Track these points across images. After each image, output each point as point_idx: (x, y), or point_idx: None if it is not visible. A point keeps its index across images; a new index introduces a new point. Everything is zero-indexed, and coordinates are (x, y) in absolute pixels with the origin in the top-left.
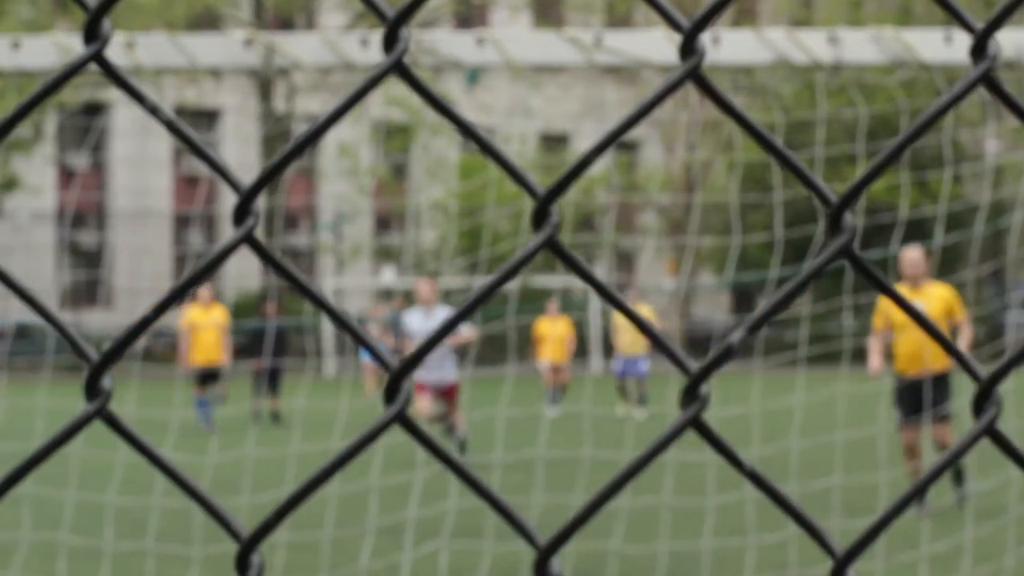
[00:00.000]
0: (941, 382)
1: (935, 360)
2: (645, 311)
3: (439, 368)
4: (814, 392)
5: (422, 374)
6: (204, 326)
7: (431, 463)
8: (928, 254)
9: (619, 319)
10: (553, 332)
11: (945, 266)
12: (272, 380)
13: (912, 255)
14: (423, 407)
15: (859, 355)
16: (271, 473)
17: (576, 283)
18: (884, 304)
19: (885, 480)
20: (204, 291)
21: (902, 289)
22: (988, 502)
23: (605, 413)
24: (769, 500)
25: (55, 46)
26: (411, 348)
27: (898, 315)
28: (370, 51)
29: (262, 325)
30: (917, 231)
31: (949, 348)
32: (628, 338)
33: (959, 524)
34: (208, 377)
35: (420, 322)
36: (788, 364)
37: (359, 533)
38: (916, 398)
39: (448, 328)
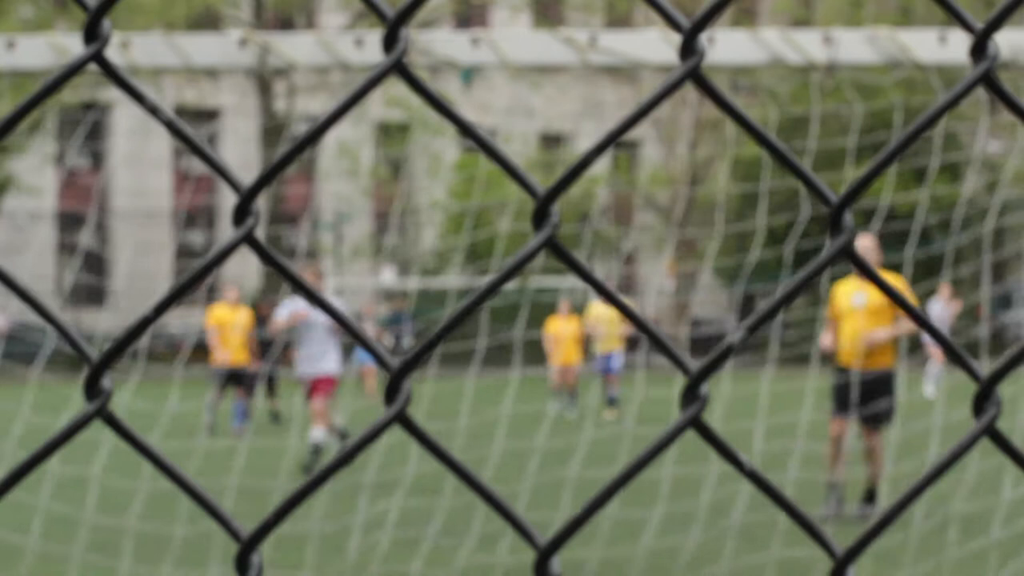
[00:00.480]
0: (882, 383)
1: (878, 358)
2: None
3: (319, 360)
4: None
5: (305, 368)
6: (231, 326)
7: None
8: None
9: (594, 316)
10: (565, 332)
11: (942, 265)
12: (268, 381)
13: (863, 243)
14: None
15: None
16: (264, 474)
17: (577, 284)
18: (832, 294)
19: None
20: (231, 292)
21: (851, 280)
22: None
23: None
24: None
25: (50, 46)
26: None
27: (839, 305)
28: (365, 51)
29: (261, 325)
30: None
31: (948, 346)
32: (603, 335)
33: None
34: (232, 379)
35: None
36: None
37: (346, 526)
38: (852, 393)
39: (449, 328)
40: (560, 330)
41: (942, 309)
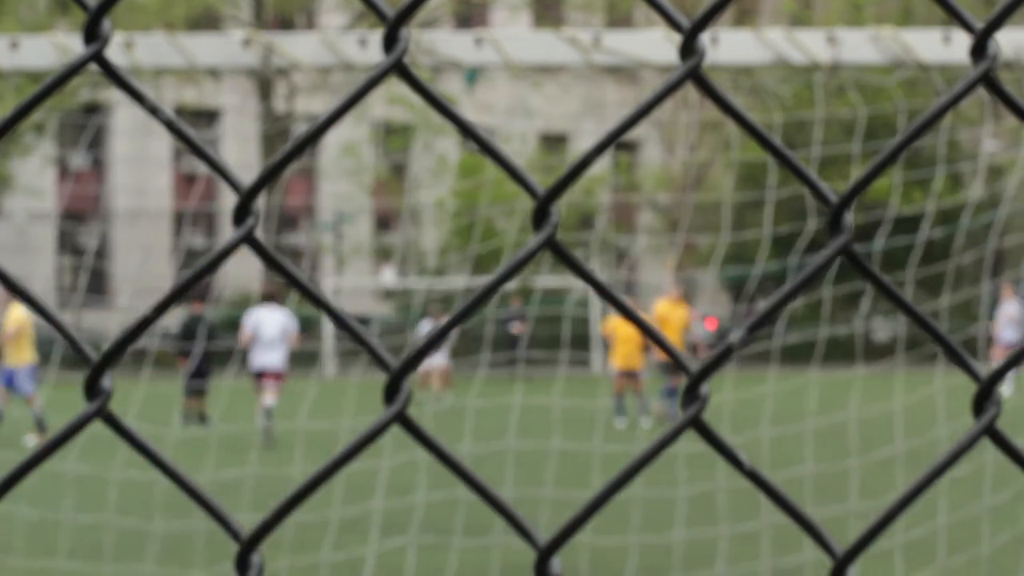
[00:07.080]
0: None
1: None
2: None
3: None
4: (787, 382)
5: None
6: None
7: (398, 452)
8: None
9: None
10: (626, 331)
11: (941, 266)
12: (199, 379)
13: None
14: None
15: (832, 347)
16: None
17: (576, 283)
18: None
19: (855, 468)
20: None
21: None
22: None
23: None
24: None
25: (54, 46)
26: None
27: None
28: (368, 51)
29: (192, 322)
30: (914, 230)
31: (947, 346)
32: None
33: (932, 511)
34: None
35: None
36: (761, 357)
37: (322, 521)
38: None
39: (448, 328)
40: (619, 329)
41: (1016, 307)
